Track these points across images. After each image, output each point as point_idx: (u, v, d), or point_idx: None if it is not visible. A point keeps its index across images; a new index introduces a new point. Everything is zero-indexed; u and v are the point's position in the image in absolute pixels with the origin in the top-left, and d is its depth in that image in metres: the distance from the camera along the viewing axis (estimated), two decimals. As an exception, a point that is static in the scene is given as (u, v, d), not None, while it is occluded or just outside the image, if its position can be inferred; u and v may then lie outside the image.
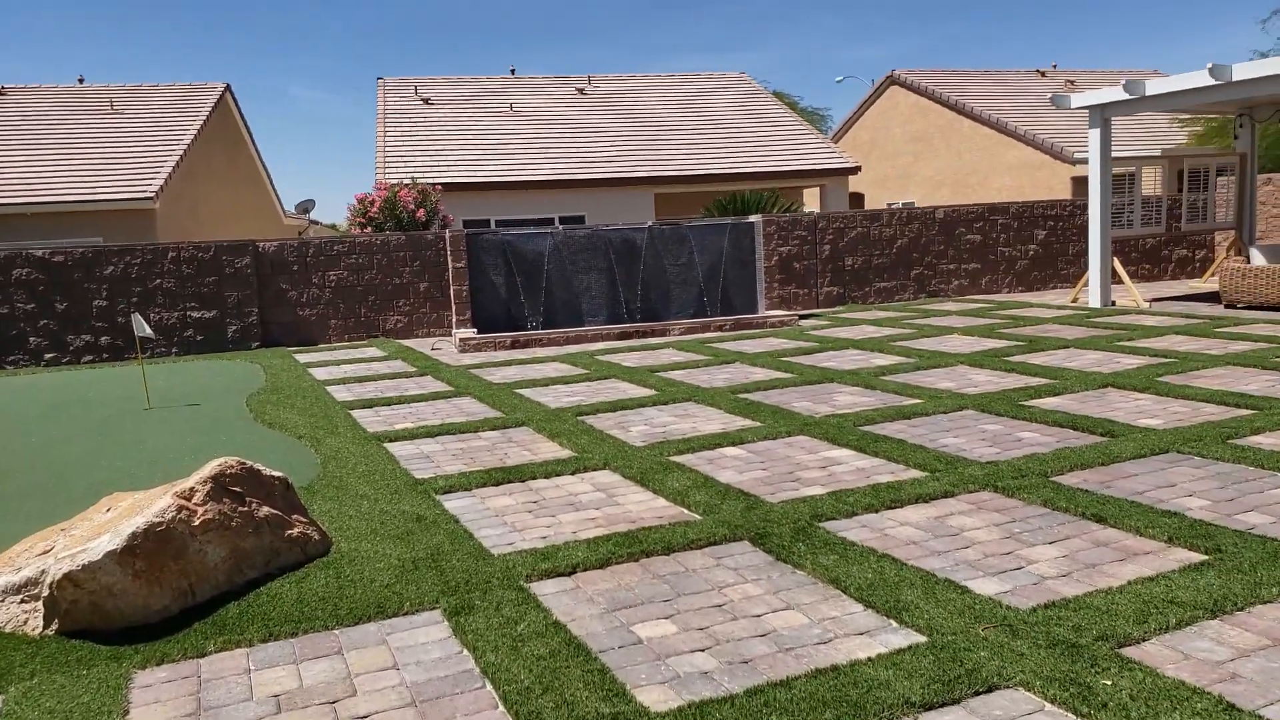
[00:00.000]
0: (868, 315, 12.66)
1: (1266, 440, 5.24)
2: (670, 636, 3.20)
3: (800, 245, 14.05)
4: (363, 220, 13.79)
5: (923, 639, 3.05)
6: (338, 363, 10.62)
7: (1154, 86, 11.11)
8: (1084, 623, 3.08)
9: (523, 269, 12.22)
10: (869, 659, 2.93)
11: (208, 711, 2.87)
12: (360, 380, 9.19)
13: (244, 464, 4.04)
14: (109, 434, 7.02)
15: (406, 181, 14.42)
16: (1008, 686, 2.74)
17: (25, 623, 3.41)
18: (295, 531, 4.01)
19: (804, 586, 3.56)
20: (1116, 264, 12.49)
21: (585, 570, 3.82)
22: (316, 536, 4.09)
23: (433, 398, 8.02)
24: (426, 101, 21.26)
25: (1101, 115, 11.95)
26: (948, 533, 4.06)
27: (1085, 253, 15.07)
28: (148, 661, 3.18)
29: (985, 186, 22.49)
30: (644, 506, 4.63)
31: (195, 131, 18.65)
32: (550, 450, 5.90)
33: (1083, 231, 15.17)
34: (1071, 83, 24.78)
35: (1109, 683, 2.70)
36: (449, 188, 16.92)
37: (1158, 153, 17.76)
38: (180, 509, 3.65)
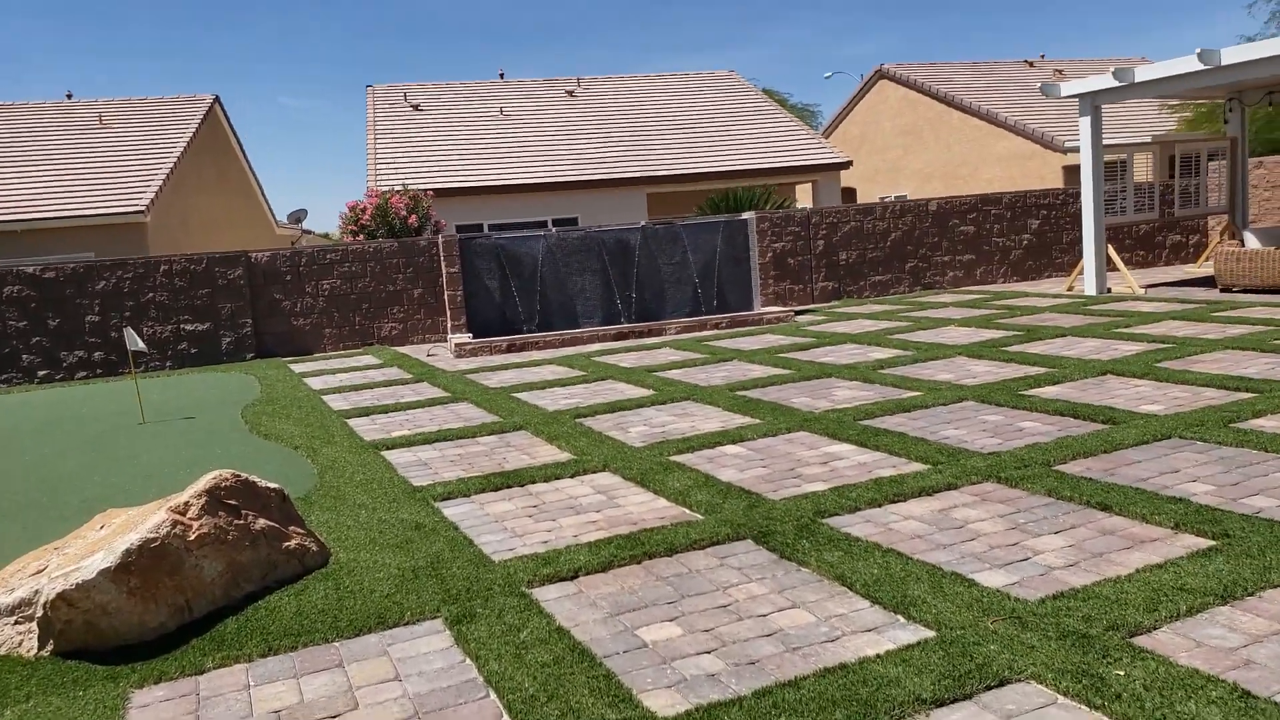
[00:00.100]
0: (863, 309, 12.63)
1: (1269, 423, 5.21)
2: (675, 639, 3.16)
3: (794, 241, 14.02)
4: (355, 228, 13.74)
5: (931, 634, 3.01)
6: (333, 371, 10.56)
7: (1143, 73, 11.10)
8: (1094, 613, 3.04)
9: (516, 272, 12.17)
10: (878, 656, 2.89)
11: (207, 729, 2.82)
12: (356, 388, 9.13)
13: (239, 476, 3.99)
14: (103, 449, 6.97)
15: (398, 188, 14.38)
16: (1019, 680, 2.70)
17: (20, 644, 3.35)
18: (293, 543, 3.96)
19: (809, 584, 3.52)
20: (1111, 251, 12.48)
21: (587, 574, 3.78)
22: (314, 548, 4.04)
23: (429, 404, 7.97)
24: (416, 108, 21.20)
25: (1091, 103, 11.94)
26: (952, 525, 4.02)
27: (1079, 241, 15.06)
28: (145, 680, 3.13)
29: (976, 178, 22.48)
30: (645, 508, 4.59)
31: (185, 144, 18.58)
32: (549, 453, 5.86)
33: (1075, 220, 15.17)
34: (1060, 72, 24.79)
35: (1122, 673, 2.66)
36: (441, 193, 16.87)
37: (1148, 139, 17.77)
38: (175, 524, 3.60)
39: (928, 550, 3.75)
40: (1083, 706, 2.54)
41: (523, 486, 5.14)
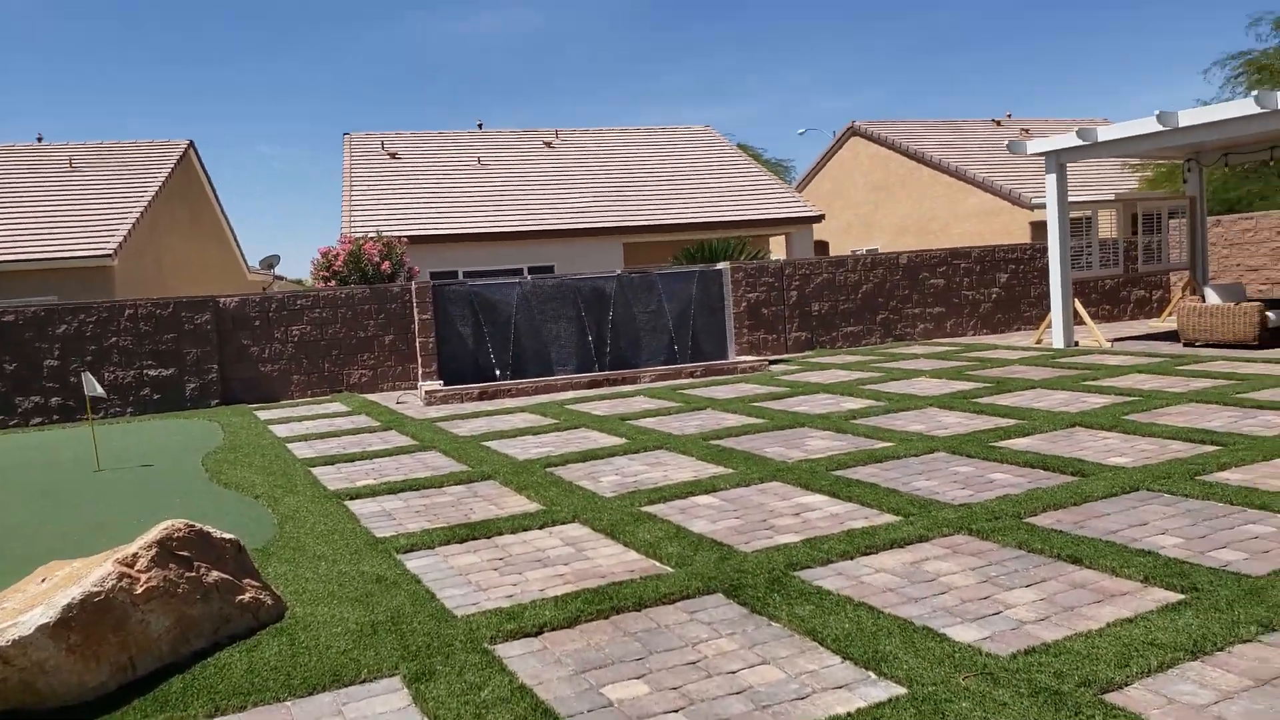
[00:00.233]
0: (836, 359, 12.70)
1: (1234, 476, 5.24)
2: (642, 698, 3.06)
3: (768, 291, 14.12)
4: (327, 274, 13.65)
5: (903, 690, 2.94)
6: (300, 419, 10.38)
7: (1106, 133, 11.41)
8: (1065, 668, 2.99)
9: (490, 319, 12.12)
10: (848, 714, 2.81)
11: (145, 796, 2.67)
12: (322, 436, 8.97)
13: (193, 527, 3.86)
14: (54, 498, 6.75)
15: (372, 234, 14.35)
16: (992, 740, 2.63)
17: (-49, 704, 3.18)
18: (247, 596, 3.82)
19: (780, 639, 3.44)
20: (1078, 305, 12.68)
21: (553, 630, 3.67)
22: (270, 601, 3.90)
23: (397, 452, 7.84)
24: (393, 156, 21.31)
25: (1057, 161, 12.24)
26: (924, 578, 3.97)
27: (1046, 295, 15.31)
28: (82, 743, 2.97)
29: (947, 232, 22.90)
30: (614, 560, 4.49)
31: (157, 188, 18.49)
32: (517, 504, 5.75)
33: (1043, 274, 15.44)
34: (1026, 130, 25.49)
35: (1095, 733, 2.60)
36: (416, 240, 16.87)
37: (1112, 196, 18.22)
38: (122, 576, 3.46)
39: (899, 604, 3.69)
40: (1057, 768, 2.48)
41: (489, 538, 5.03)
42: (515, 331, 12.17)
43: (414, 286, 12.04)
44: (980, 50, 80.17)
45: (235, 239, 24.30)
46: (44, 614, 3.21)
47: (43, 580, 3.65)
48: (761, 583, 3.97)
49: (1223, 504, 4.74)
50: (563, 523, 5.23)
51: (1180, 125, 10.48)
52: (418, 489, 6.35)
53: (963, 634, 3.37)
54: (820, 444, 6.98)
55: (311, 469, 7.26)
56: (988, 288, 15.38)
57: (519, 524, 5.19)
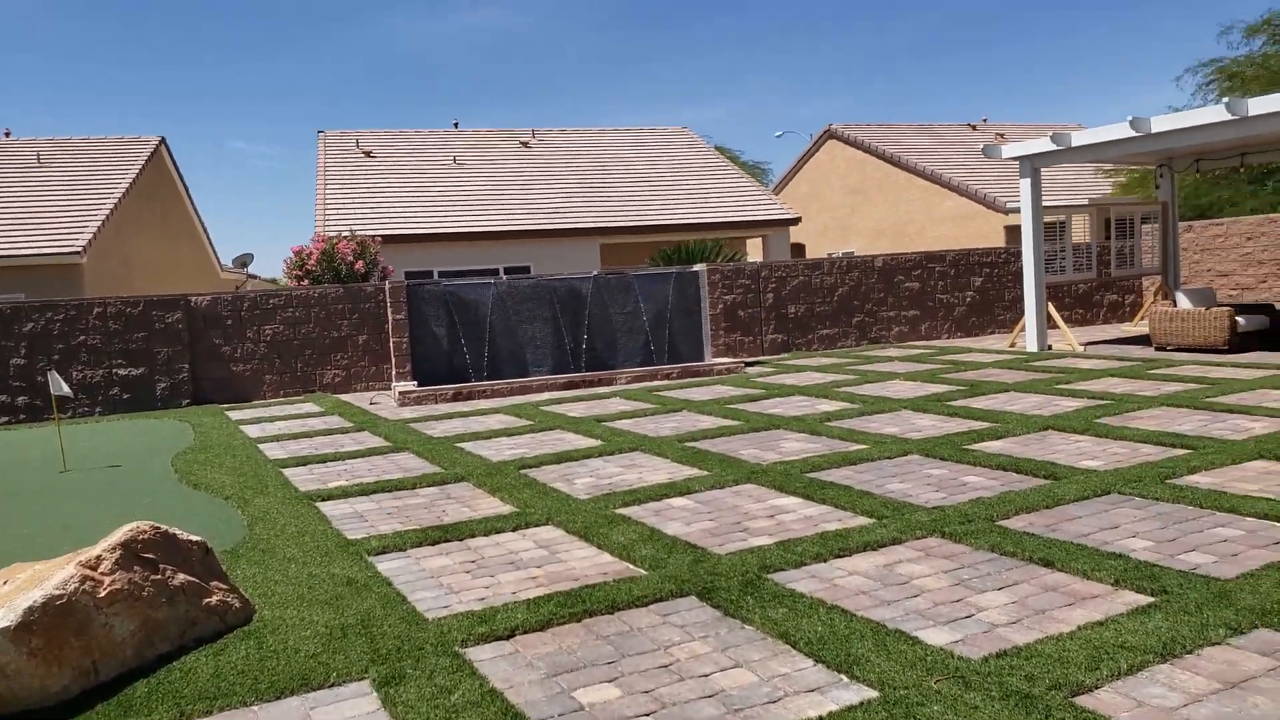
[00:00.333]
0: (812, 362, 12.74)
1: (1203, 479, 5.31)
2: (613, 701, 3.04)
3: (744, 294, 14.15)
4: (300, 273, 13.51)
5: (875, 694, 2.94)
6: (271, 419, 10.26)
7: (1079, 138, 11.54)
8: (1036, 671, 3.00)
9: (465, 320, 12.05)
10: (820, 717, 2.80)
11: (104, 805, 2.61)
12: (294, 437, 8.87)
13: (158, 529, 3.79)
14: (18, 500, 6.61)
15: (346, 233, 14.22)
16: (963, 743, 2.64)
17: (-96, 711, 3.09)
18: (214, 599, 3.76)
19: (753, 642, 3.43)
20: (1051, 309, 12.81)
21: (525, 633, 3.64)
22: (237, 604, 3.84)
23: (369, 454, 7.76)
24: (368, 154, 21.14)
25: (1031, 165, 12.36)
26: (897, 581, 3.97)
27: (1020, 299, 15.46)
28: (40, 751, 2.90)
29: (923, 236, 23.07)
30: (588, 563, 4.47)
31: (127, 185, 18.21)
32: (490, 506, 5.71)
33: (1017, 278, 15.59)
34: (1001, 135, 25.74)
35: (1065, 735, 2.61)
36: (391, 239, 16.74)
37: (1085, 201, 18.44)
38: (85, 579, 3.38)
39: (872, 607, 3.70)
40: (1027, 771, 2.48)
41: (461, 540, 4.98)
42: (490, 332, 12.10)
43: (388, 286, 11.94)
44: (957, 56, 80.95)
45: (208, 237, 24.00)
46: (5, 617, 3.13)
47: (4, 583, 3.56)
48: (735, 585, 3.96)
49: (1193, 507, 4.79)
50: (536, 525, 5.19)
51: (1153, 131, 10.62)
52: (390, 490, 6.28)
53: (935, 637, 3.37)
54: (795, 446, 6.99)
55: (283, 470, 7.17)
56: (962, 291, 15.51)
57: (492, 526, 5.14)
